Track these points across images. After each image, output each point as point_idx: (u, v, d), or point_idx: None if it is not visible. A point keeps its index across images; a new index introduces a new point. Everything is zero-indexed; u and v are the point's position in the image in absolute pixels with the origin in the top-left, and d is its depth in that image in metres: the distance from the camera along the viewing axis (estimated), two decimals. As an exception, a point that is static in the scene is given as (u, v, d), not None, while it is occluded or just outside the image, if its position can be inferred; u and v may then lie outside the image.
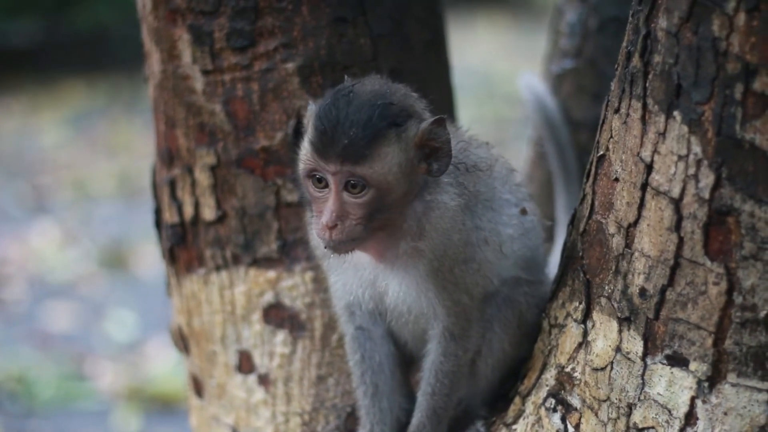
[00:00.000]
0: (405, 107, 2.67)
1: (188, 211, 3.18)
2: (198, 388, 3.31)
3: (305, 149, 2.65)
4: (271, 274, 3.11)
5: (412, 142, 2.64)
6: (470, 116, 3.34)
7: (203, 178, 3.13)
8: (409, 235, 2.71)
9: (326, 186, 2.63)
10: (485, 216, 2.79)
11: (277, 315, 3.12)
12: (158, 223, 3.33)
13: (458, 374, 2.85)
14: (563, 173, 3.74)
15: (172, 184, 3.21)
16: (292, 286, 3.10)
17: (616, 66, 2.68)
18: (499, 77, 13.92)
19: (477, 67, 14.07)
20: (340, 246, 2.65)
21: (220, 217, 3.13)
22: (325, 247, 2.67)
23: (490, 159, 2.85)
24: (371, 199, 2.61)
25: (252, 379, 3.16)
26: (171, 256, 3.27)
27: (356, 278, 2.83)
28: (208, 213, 3.14)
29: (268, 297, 3.12)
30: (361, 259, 2.80)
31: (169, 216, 3.23)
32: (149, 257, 9.55)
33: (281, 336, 3.12)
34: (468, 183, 2.76)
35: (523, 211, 2.88)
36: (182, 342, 3.34)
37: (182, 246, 3.22)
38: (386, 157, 2.60)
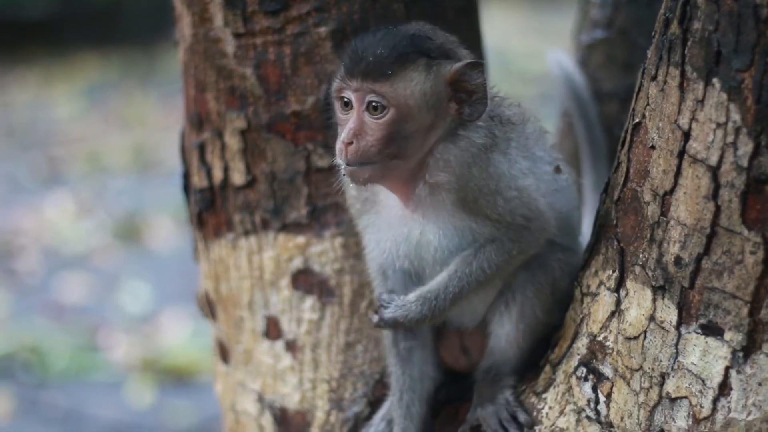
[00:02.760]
0: (444, 48, 2.71)
1: (217, 175, 3.16)
2: (224, 354, 3.30)
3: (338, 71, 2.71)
4: (301, 239, 3.09)
5: (444, 78, 2.67)
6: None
7: (233, 142, 3.11)
8: (433, 170, 2.71)
9: (351, 108, 2.67)
10: (520, 157, 2.77)
11: (305, 281, 3.10)
12: (186, 187, 3.32)
13: (501, 268, 2.77)
14: (591, 152, 3.70)
15: (202, 148, 3.18)
16: (322, 252, 3.08)
17: (653, 33, 2.65)
18: (513, 55, 13.88)
19: (491, 45, 14.00)
20: (357, 172, 2.65)
21: (250, 182, 3.11)
22: (343, 174, 2.69)
23: (523, 116, 2.85)
24: (390, 120, 2.64)
25: (279, 345, 3.15)
26: (199, 220, 3.25)
27: (390, 234, 2.82)
28: (238, 177, 3.12)
29: (297, 262, 3.10)
30: (393, 212, 2.79)
31: (198, 180, 3.21)
32: (163, 230, 9.56)
33: (310, 302, 3.10)
34: (499, 132, 2.76)
35: (557, 169, 2.87)
36: (209, 307, 3.33)
37: (211, 210, 3.20)
38: (410, 81, 2.64)
